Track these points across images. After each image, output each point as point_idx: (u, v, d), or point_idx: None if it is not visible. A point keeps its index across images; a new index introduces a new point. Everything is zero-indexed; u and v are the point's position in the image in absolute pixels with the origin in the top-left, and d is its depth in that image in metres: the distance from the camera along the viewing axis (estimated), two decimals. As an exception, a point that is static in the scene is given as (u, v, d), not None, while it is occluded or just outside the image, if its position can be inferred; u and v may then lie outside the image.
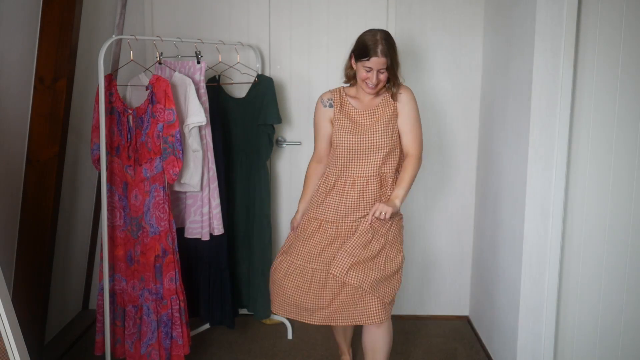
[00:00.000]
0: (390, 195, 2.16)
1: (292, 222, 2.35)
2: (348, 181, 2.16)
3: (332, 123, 2.21)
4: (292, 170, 3.06)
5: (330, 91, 2.26)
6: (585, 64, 2.18)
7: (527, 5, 2.21)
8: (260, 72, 2.88)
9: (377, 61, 2.04)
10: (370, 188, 2.15)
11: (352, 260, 2.08)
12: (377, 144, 2.13)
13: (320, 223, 2.20)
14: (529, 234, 2.24)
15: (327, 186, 2.21)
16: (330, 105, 2.21)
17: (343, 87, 2.28)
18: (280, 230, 3.11)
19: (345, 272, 2.07)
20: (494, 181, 2.67)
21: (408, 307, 3.14)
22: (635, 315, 2.30)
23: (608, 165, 2.23)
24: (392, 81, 2.14)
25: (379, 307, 2.11)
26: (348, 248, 2.10)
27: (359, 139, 2.13)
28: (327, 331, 2.97)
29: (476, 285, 2.99)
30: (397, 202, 2.10)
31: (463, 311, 3.15)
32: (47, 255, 2.41)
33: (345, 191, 2.16)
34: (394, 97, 2.17)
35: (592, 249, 2.28)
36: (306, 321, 2.21)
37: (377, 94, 2.18)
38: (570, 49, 2.11)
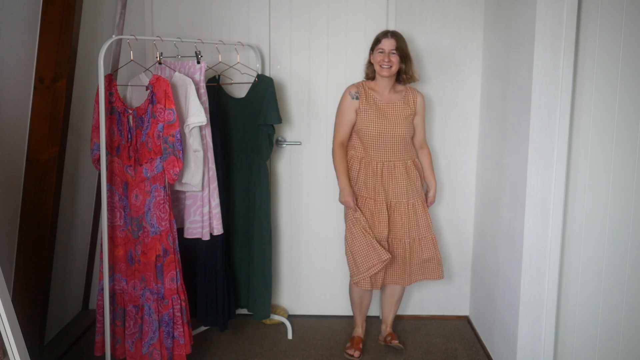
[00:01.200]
0: (419, 180, 2.64)
1: (348, 201, 2.55)
2: (377, 165, 2.55)
3: (356, 113, 2.55)
4: (292, 170, 3.06)
5: (355, 85, 2.61)
6: (585, 64, 2.18)
7: (527, 5, 2.21)
8: (260, 72, 2.88)
9: (387, 42, 2.48)
10: (396, 171, 2.55)
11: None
12: (400, 132, 2.54)
13: (365, 200, 2.58)
14: (529, 234, 2.24)
15: (366, 169, 2.56)
16: (357, 98, 2.55)
17: (365, 81, 2.63)
18: (280, 230, 3.11)
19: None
20: (494, 181, 2.67)
21: (408, 307, 3.14)
22: (635, 315, 2.30)
23: (608, 165, 2.23)
24: (405, 73, 2.54)
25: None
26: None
27: (383, 127, 2.52)
28: (327, 331, 2.98)
29: (476, 285, 3.00)
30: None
31: (463, 311, 3.15)
32: (47, 255, 2.41)
33: (377, 173, 2.54)
34: (410, 94, 2.61)
35: (592, 248, 2.28)
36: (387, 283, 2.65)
37: (394, 90, 2.59)
38: (570, 49, 2.11)
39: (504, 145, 2.52)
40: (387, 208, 2.57)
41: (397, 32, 2.54)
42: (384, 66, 2.47)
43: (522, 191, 2.26)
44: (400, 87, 2.62)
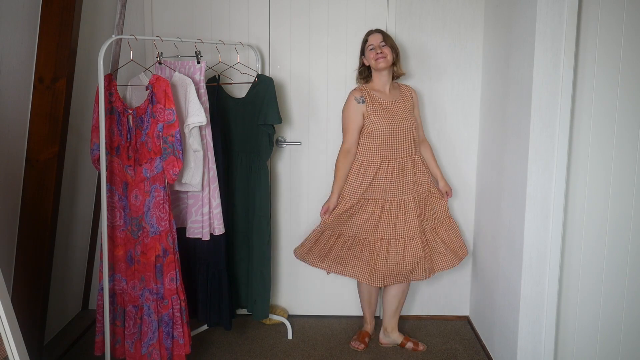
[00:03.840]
0: (428, 175, 2.70)
1: (326, 206, 2.59)
2: (390, 164, 2.55)
3: (364, 117, 2.55)
4: (292, 170, 3.06)
5: (357, 90, 2.61)
6: (585, 64, 2.17)
7: (527, 5, 2.21)
8: (260, 72, 2.87)
9: (374, 38, 2.56)
10: (412, 165, 2.60)
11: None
12: (409, 127, 2.59)
13: (371, 202, 2.59)
14: (529, 234, 2.24)
15: (372, 171, 2.55)
16: (363, 102, 2.55)
17: (363, 85, 2.65)
18: (280, 230, 3.11)
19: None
20: (494, 181, 2.67)
21: (408, 307, 3.14)
22: (635, 315, 2.30)
23: (608, 165, 2.23)
24: (397, 66, 2.61)
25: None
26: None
27: (394, 125, 2.54)
28: (327, 331, 2.97)
29: (476, 285, 2.99)
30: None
31: (463, 311, 3.15)
32: (47, 255, 2.41)
33: (395, 172, 2.56)
34: (405, 89, 2.69)
35: (592, 248, 2.28)
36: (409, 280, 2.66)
37: (392, 86, 2.63)
38: (571, 48, 2.11)
39: (504, 145, 2.52)
40: (397, 206, 2.59)
41: (380, 29, 2.65)
42: (380, 59, 2.52)
43: (522, 191, 2.26)
44: (395, 84, 2.68)
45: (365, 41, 2.60)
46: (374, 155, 2.56)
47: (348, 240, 2.63)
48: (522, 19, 2.28)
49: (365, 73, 2.64)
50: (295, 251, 2.76)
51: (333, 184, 2.61)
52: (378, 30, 2.60)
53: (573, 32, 2.10)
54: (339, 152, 2.60)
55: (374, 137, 2.55)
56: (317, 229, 2.68)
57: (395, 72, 2.63)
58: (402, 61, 2.84)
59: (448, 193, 2.79)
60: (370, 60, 2.56)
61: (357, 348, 2.74)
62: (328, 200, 2.60)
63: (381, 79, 2.60)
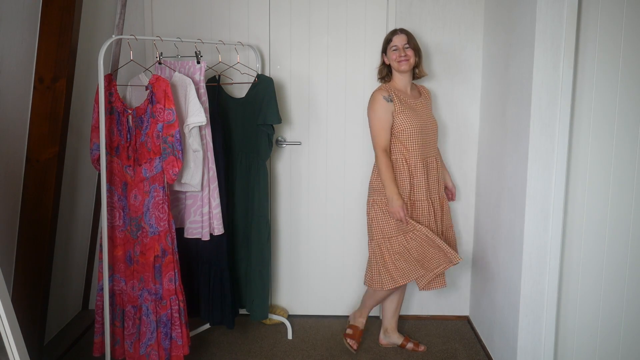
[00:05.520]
0: (443, 173, 2.71)
1: (398, 212, 2.43)
2: (419, 164, 2.52)
3: (393, 116, 2.50)
4: (292, 170, 3.06)
5: (382, 88, 2.55)
6: (585, 64, 2.17)
7: (527, 5, 2.21)
8: (260, 72, 2.87)
9: (398, 39, 2.51)
10: (435, 165, 2.59)
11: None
12: (433, 126, 2.60)
13: (413, 203, 2.55)
14: (529, 234, 2.24)
15: (408, 171, 2.52)
16: (390, 100, 2.50)
17: (384, 84, 2.59)
18: (279, 230, 3.11)
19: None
20: (494, 181, 2.67)
21: (408, 307, 3.14)
22: (635, 315, 2.30)
23: (608, 165, 2.23)
24: (417, 66, 2.58)
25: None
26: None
27: (421, 124, 2.52)
28: (327, 331, 2.98)
29: (476, 285, 2.99)
30: None
31: (463, 311, 3.15)
32: (47, 255, 2.41)
33: (423, 171, 2.52)
34: (423, 90, 2.67)
35: (592, 248, 2.28)
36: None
37: (412, 87, 2.60)
38: (571, 49, 2.11)
39: (504, 145, 2.52)
40: (433, 204, 2.58)
41: (405, 28, 2.59)
42: (402, 61, 2.49)
43: (522, 191, 2.26)
44: (413, 84, 2.66)
45: (388, 40, 2.54)
46: (405, 156, 2.50)
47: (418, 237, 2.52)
48: (522, 19, 2.28)
49: (384, 72, 2.60)
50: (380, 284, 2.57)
51: (387, 190, 2.44)
52: (403, 31, 2.54)
53: (573, 32, 2.10)
54: (378, 155, 2.47)
55: (403, 137, 2.49)
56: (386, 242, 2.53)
57: (417, 73, 2.60)
58: None
59: (454, 195, 2.79)
60: (392, 61, 2.52)
61: (352, 347, 2.72)
62: (392, 207, 2.43)
63: (402, 80, 2.56)
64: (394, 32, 2.54)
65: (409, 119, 2.49)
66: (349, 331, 2.80)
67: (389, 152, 2.50)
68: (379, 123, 2.48)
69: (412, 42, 2.52)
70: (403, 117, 2.48)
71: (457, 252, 2.55)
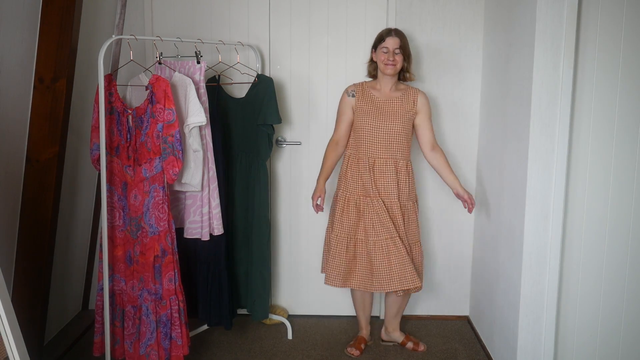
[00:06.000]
0: (409, 183, 2.59)
1: (313, 198, 2.61)
2: (368, 162, 2.52)
3: (353, 111, 2.57)
4: (292, 170, 3.06)
5: (354, 84, 2.62)
6: (585, 64, 2.17)
7: (527, 5, 2.21)
8: (260, 72, 2.87)
9: (391, 41, 2.48)
10: (386, 168, 2.53)
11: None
12: (396, 129, 2.52)
13: (350, 200, 2.57)
14: (529, 234, 2.24)
15: (355, 166, 2.56)
16: (353, 96, 2.58)
17: (366, 81, 2.65)
18: (280, 230, 3.11)
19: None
20: (494, 181, 2.67)
21: (408, 307, 3.13)
22: (635, 315, 2.30)
23: (608, 165, 2.23)
24: (407, 71, 2.57)
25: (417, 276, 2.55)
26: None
27: (378, 123, 2.51)
28: (327, 331, 2.98)
29: (476, 285, 2.99)
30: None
31: (463, 311, 3.15)
32: (47, 255, 2.41)
33: (369, 170, 2.52)
34: (411, 92, 2.57)
35: (592, 248, 2.28)
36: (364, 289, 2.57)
37: (396, 88, 2.57)
38: (571, 48, 2.11)
39: (504, 145, 2.52)
40: (389, 210, 2.52)
41: (400, 30, 2.55)
42: (389, 65, 2.48)
43: (522, 191, 2.26)
44: (402, 85, 2.61)
45: (381, 39, 2.50)
46: (357, 151, 2.56)
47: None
48: (522, 19, 2.28)
49: (373, 66, 2.59)
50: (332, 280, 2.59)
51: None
52: (397, 33, 2.50)
53: (573, 32, 2.10)
54: (328, 142, 2.65)
55: (356, 132, 2.56)
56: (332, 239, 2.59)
57: (407, 77, 2.59)
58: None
59: (468, 203, 2.54)
60: (379, 61, 2.51)
61: (353, 354, 2.69)
62: (314, 192, 2.62)
63: (385, 80, 2.56)
64: (389, 33, 2.50)
65: (365, 115, 2.53)
66: (350, 342, 2.81)
67: (339, 145, 2.61)
68: (337, 115, 2.64)
69: (403, 48, 2.49)
70: (360, 112, 2.55)
71: (420, 275, 2.59)
